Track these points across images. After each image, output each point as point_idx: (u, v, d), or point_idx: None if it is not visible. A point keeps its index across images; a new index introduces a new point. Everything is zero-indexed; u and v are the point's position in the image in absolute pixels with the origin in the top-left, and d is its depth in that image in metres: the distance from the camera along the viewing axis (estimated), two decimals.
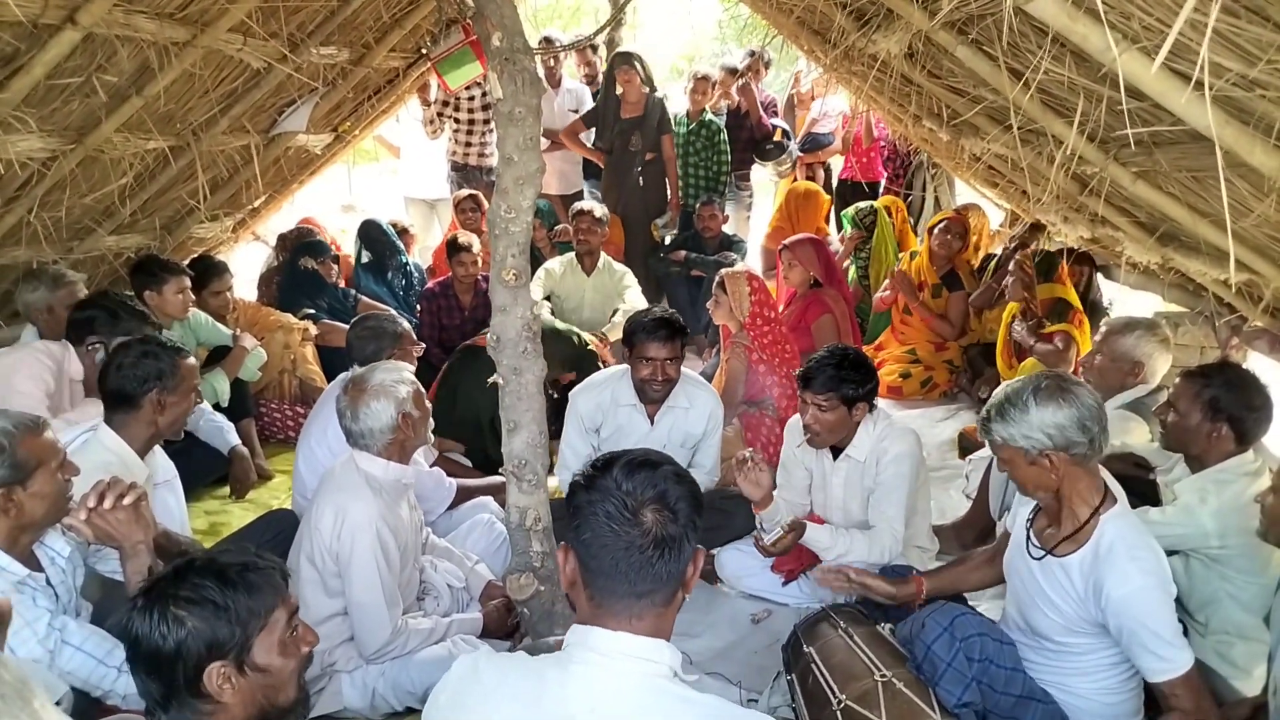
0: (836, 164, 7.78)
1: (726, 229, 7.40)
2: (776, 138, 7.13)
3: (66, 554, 2.22)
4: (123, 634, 1.57)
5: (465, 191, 6.34)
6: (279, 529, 3.07)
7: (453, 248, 5.43)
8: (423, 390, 2.78)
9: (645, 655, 1.38)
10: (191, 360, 2.86)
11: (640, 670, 1.37)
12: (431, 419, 2.86)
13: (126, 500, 2.09)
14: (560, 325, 4.58)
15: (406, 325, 3.64)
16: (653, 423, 3.41)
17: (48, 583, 2.11)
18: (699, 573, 1.47)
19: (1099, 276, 4.94)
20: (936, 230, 5.45)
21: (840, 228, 6.67)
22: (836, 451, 3.07)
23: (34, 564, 2.11)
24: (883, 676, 2.27)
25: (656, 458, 1.47)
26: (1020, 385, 2.18)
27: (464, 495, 3.56)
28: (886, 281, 5.65)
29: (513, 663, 1.45)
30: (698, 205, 6.38)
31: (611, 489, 1.40)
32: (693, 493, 1.45)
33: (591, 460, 1.50)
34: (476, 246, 5.43)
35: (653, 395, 3.35)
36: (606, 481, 1.41)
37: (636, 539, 1.38)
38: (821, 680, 2.37)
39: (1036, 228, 5.14)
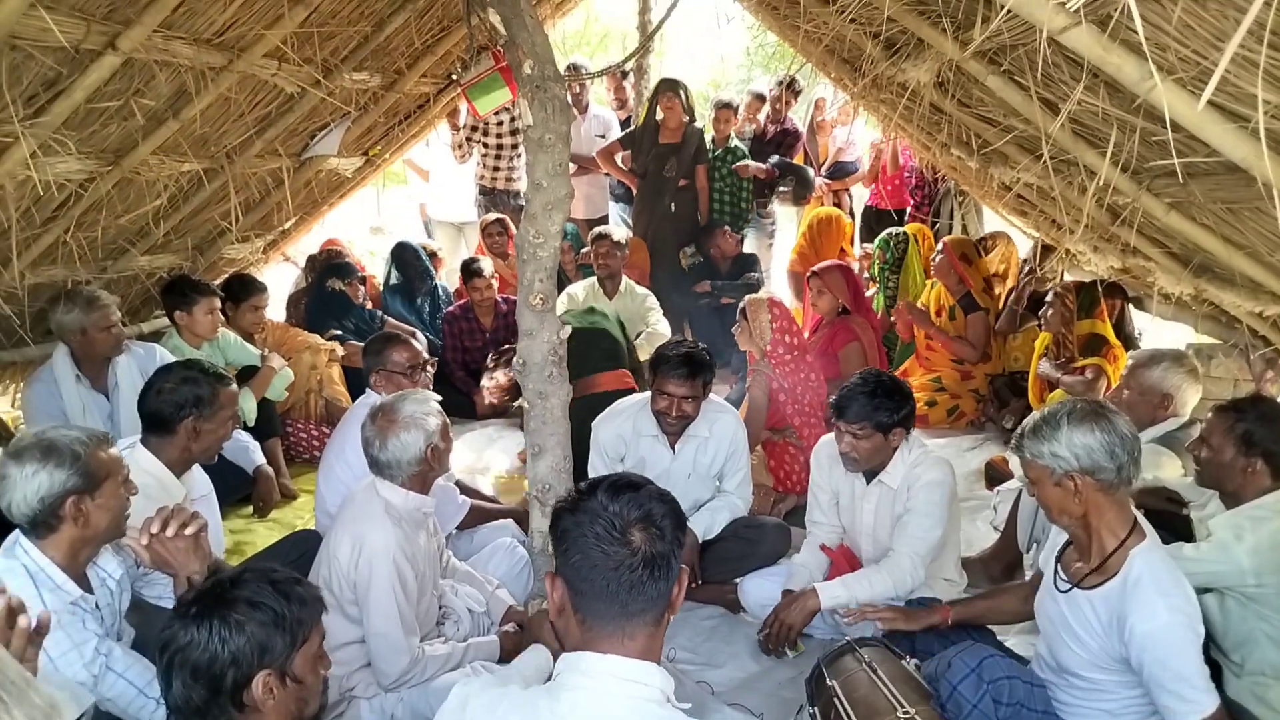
0: (862, 191, 7.78)
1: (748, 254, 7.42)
2: (798, 160, 7.16)
3: (117, 576, 2.24)
4: (169, 641, 1.59)
5: (493, 215, 6.41)
6: (304, 549, 3.08)
7: (467, 273, 5.47)
8: (448, 422, 2.76)
9: (635, 678, 1.39)
10: (233, 388, 2.85)
11: (630, 693, 1.38)
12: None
13: (189, 530, 2.11)
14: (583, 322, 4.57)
15: (410, 349, 3.54)
16: (674, 452, 3.39)
17: (96, 606, 2.13)
18: (684, 593, 1.49)
19: (1130, 308, 4.89)
20: (933, 258, 5.50)
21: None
22: (870, 475, 3.03)
23: (85, 585, 2.13)
24: (906, 713, 2.23)
25: (637, 479, 1.49)
26: (1058, 406, 2.18)
27: (479, 516, 3.55)
28: (900, 305, 5.63)
29: (504, 695, 1.46)
30: (712, 229, 6.39)
31: (598, 511, 1.42)
32: (675, 511, 1.47)
33: (573, 486, 1.51)
34: (489, 270, 5.48)
35: (667, 429, 3.34)
36: (592, 504, 1.44)
37: (626, 558, 1.40)
38: (844, 715, 2.33)
39: (1048, 250, 5.12)
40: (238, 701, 1.58)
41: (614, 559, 1.39)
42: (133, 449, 2.65)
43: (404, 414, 2.63)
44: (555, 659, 1.49)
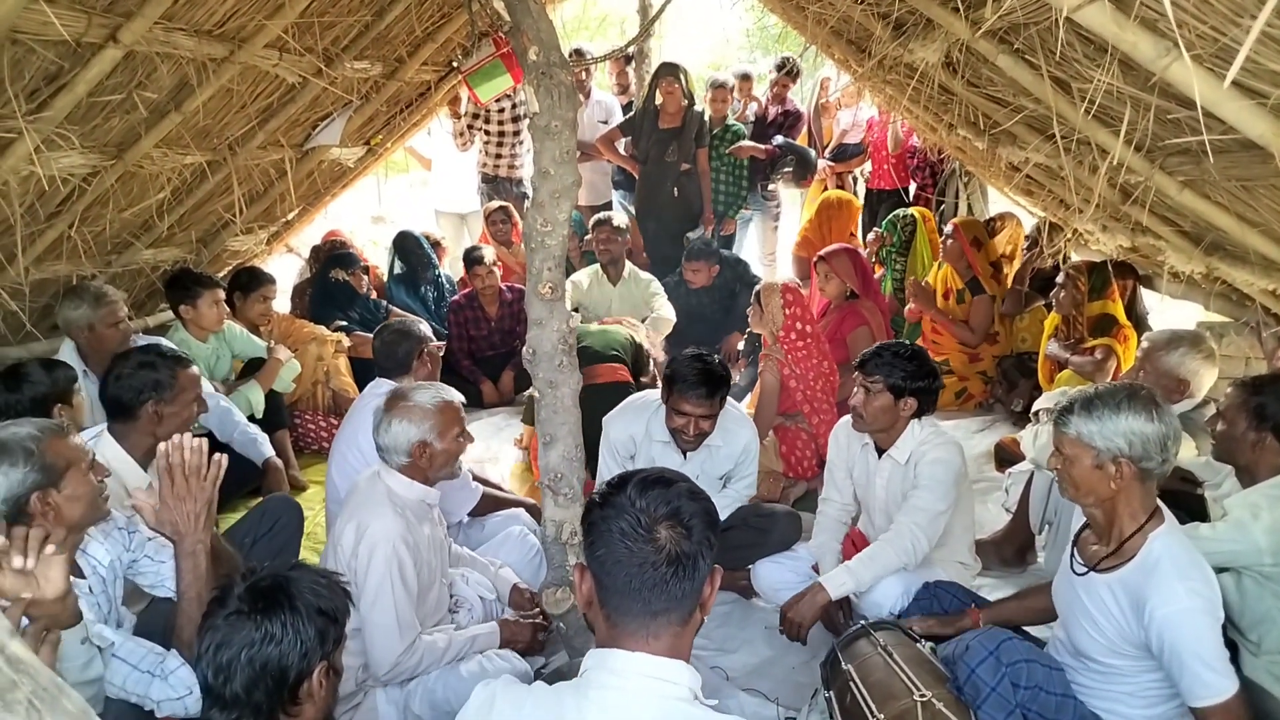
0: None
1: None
2: (802, 141, 7.12)
3: (107, 563, 2.24)
4: (229, 636, 1.60)
5: (496, 203, 6.38)
6: (276, 517, 3.11)
7: (468, 260, 5.45)
8: (460, 429, 2.73)
9: (663, 676, 1.37)
10: (193, 370, 2.86)
11: (658, 692, 1.36)
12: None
13: (208, 476, 2.10)
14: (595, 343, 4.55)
15: (426, 328, 3.64)
16: (685, 458, 3.36)
17: (90, 590, 2.13)
18: (716, 593, 1.47)
19: (1140, 289, 4.85)
20: (943, 240, 5.46)
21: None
22: (881, 451, 3.03)
23: (77, 571, 2.13)
24: (922, 696, 2.23)
25: (671, 475, 1.47)
26: (1115, 387, 2.15)
27: (491, 504, 3.55)
28: (909, 291, 5.59)
29: (530, 692, 1.45)
30: (683, 260, 5.91)
31: (626, 506, 1.41)
32: (707, 510, 1.45)
33: (607, 479, 1.50)
34: (490, 257, 5.47)
35: (683, 445, 3.28)
36: (621, 499, 1.42)
37: (650, 556, 1.38)
38: (860, 698, 2.33)
39: (1053, 228, 5.08)
40: (294, 695, 1.61)
41: (638, 556, 1.38)
42: (99, 438, 2.66)
43: (407, 401, 2.65)
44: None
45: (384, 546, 2.49)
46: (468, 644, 2.73)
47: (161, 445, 2.10)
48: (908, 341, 2.97)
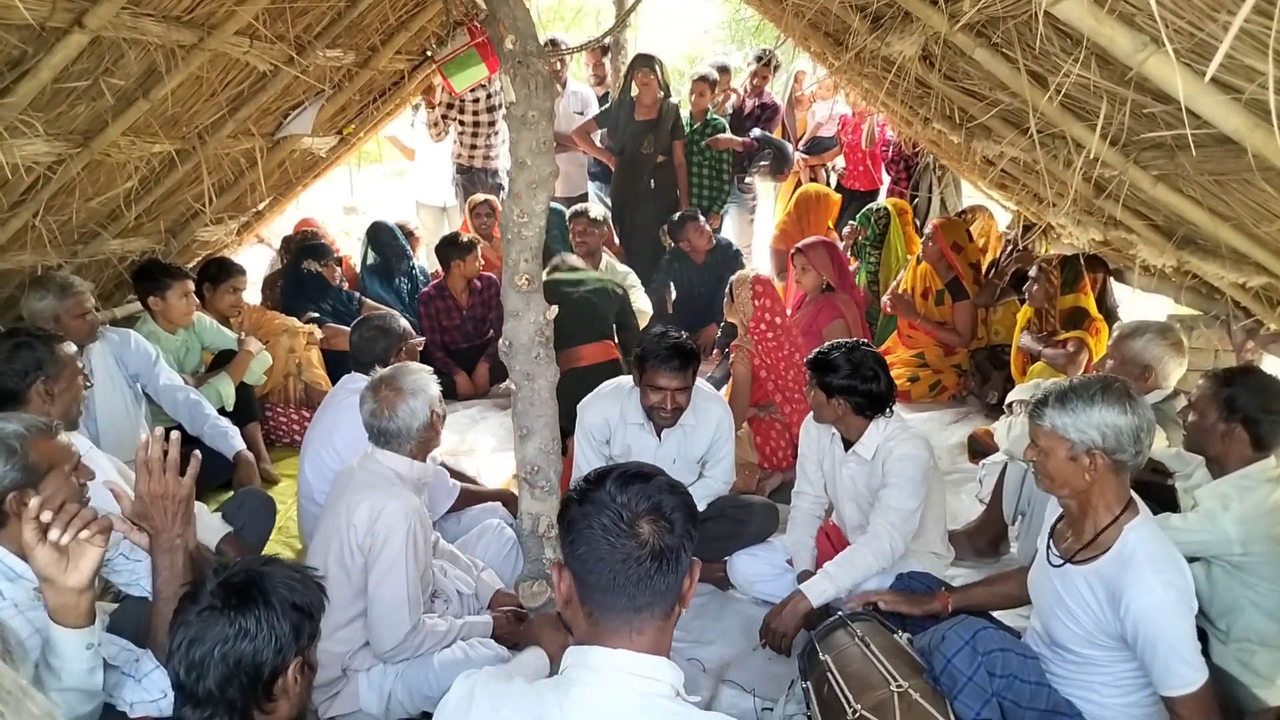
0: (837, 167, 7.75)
1: (729, 233, 7.35)
2: (776, 134, 7.12)
3: None
4: (202, 633, 1.57)
5: (480, 196, 6.32)
6: (253, 509, 3.09)
7: (456, 249, 5.38)
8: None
9: (646, 673, 1.37)
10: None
11: (641, 689, 1.36)
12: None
13: (185, 483, 2.00)
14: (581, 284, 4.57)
15: (406, 323, 3.65)
16: (660, 439, 3.36)
17: None
18: (695, 586, 1.47)
19: (1111, 281, 4.91)
20: (923, 242, 5.46)
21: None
22: (847, 444, 3.05)
23: None
24: (899, 687, 2.24)
25: (649, 470, 1.47)
26: (1090, 380, 2.17)
27: (467, 499, 3.54)
28: (887, 298, 5.62)
29: (509, 690, 1.44)
30: (685, 221, 5.97)
31: (606, 502, 1.40)
32: (687, 503, 1.44)
33: (583, 475, 1.48)
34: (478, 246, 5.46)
35: (660, 422, 3.29)
36: (600, 495, 1.41)
37: (634, 551, 1.37)
38: (837, 689, 2.34)
39: (1029, 228, 5.12)
40: (269, 691, 1.58)
41: (621, 551, 1.37)
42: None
43: (407, 383, 2.67)
44: (564, 650, 1.46)
45: (403, 523, 2.51)
46: (463, 629, 2.75)
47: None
48: (854, 342, 2.97)
